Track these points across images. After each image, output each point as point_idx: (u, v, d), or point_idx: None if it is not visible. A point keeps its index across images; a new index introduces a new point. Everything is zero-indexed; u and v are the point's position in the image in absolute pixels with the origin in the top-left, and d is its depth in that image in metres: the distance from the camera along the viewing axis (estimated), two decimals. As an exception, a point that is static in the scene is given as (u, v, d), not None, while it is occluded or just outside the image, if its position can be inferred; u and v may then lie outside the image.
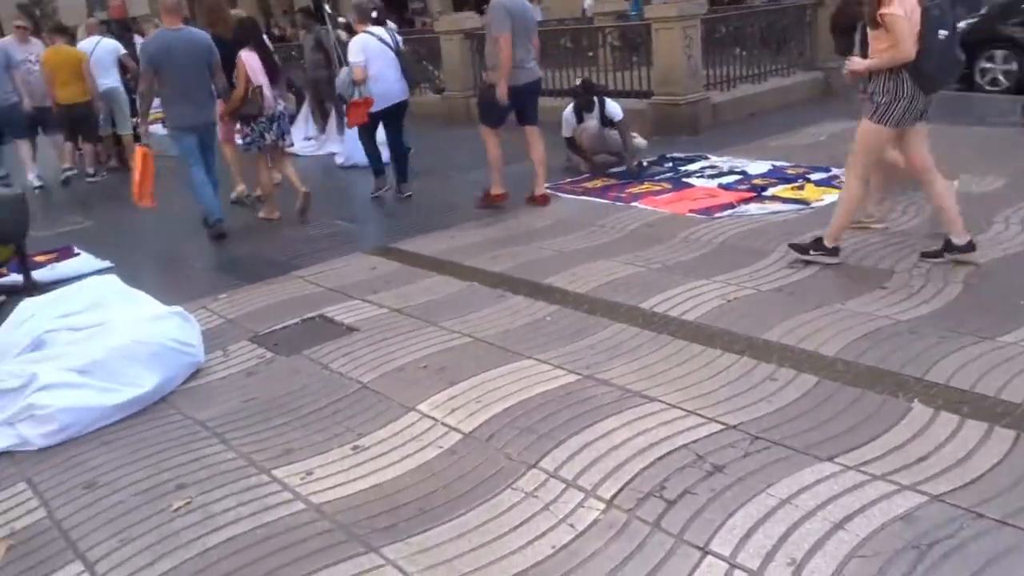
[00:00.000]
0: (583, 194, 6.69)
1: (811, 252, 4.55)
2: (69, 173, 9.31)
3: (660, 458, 2.83)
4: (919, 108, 4.20)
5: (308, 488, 2.90)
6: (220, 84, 6.60)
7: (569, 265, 4.98)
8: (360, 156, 7.76)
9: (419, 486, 2.86)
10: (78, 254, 6.32)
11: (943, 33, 4.06)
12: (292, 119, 8.07)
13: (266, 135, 6.72)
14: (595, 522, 2.56)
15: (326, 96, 9.82)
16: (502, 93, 6.08)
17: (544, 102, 6.84)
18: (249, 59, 6.50)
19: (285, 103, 7.07)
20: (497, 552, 2.47)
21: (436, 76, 12.16)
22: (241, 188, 7.80)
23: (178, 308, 4.16)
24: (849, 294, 4.09)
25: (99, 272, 5.27)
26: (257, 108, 6.56)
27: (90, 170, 9.85)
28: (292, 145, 7.60)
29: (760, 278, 4.44)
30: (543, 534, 2.53)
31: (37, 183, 9.28)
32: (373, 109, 6.89)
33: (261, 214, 7.08)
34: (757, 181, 6.45)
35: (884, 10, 3.99)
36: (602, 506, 2.62)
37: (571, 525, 2.56)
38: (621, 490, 2.68)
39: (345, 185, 8.33)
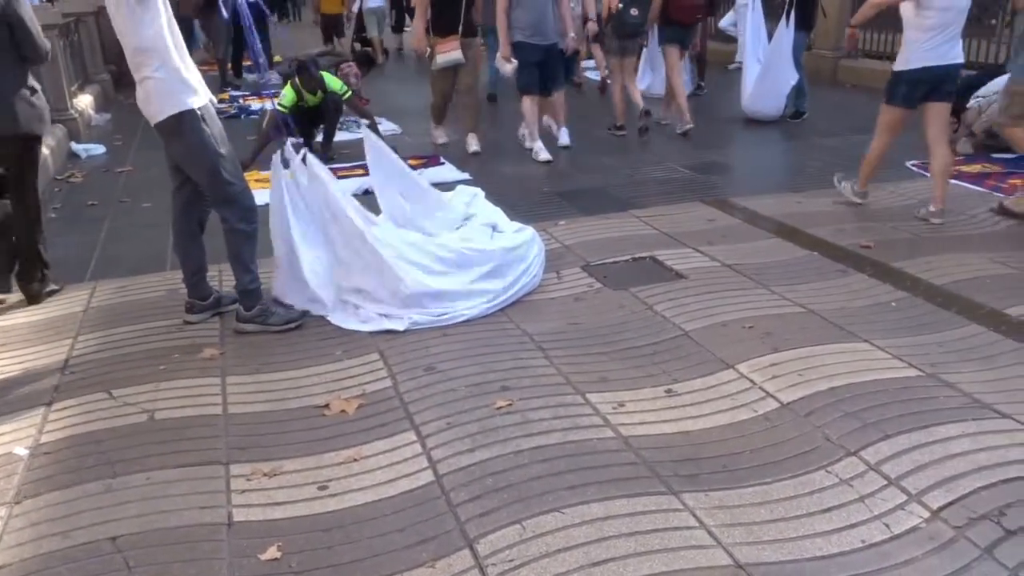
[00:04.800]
0: (955, 177, 5.99)
1: None
2: None
3: (1005, 481, 2.53)
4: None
5: (618, 419, 2.99)
6: None
7: (926, 252, 4.53)
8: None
9: (727, 443, 2.82)
10: (443, 163, 6.95)
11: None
12: None
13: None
14: (915, 529, 2.36)
15: None
16: None
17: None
18: None
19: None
20: (800, 529, 2.38)
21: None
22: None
23: (530, 228, 4.43)
24: None
25: (460, 182, 5.72)
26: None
27: None
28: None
29: None
30: (853, 526, 2.38)
31: None
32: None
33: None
34: None
35: None
36: (926, 515, 2.41)
37: (886, 525, 2.38)
38: (951, 504, 2.44)
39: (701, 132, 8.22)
